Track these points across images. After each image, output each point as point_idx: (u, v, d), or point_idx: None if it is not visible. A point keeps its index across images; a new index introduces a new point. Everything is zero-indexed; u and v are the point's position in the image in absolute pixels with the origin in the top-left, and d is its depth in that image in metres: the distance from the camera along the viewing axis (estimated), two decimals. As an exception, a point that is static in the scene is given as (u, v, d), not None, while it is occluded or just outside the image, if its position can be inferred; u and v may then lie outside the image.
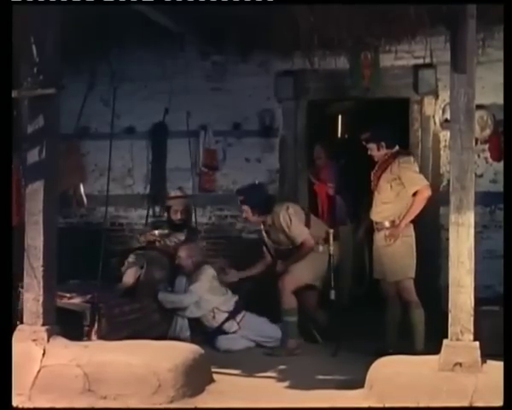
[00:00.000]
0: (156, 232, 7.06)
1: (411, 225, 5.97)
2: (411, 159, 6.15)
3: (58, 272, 5.19)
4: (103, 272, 6.04)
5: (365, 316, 6.74)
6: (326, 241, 6.34)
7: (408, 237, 5.95)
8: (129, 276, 6.49)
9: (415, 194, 5.91)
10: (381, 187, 6.04)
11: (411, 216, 5.90)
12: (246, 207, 6.56)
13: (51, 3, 4.63)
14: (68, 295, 5.92)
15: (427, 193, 5.94)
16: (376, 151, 6.12)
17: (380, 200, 6.06)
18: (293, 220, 6.37)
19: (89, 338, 5.43)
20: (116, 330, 5.71)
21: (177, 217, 7.05)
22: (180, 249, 6.72)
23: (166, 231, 7.05)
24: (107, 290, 6.08)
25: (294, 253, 6.41)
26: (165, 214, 7.29)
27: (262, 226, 6.64)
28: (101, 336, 5.50)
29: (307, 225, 6.45)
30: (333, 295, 6.25)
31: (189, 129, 7.73)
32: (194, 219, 7.50)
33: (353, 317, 6.63)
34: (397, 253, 5.92)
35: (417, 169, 6.12)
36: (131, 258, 6.69)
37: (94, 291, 5.81)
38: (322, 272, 6.38)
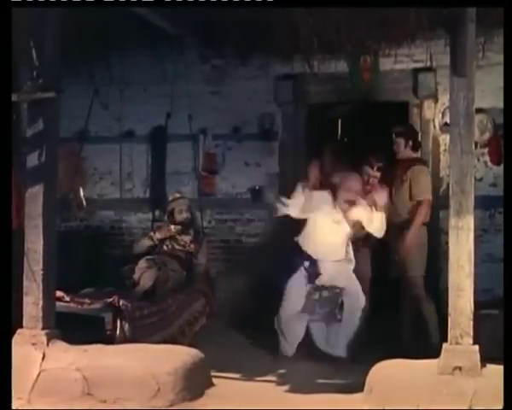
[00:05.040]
0: (172, 227, 6.95)
1: (425, 228, 6.26)
2: (426, 169, 6.40)
3: (70, 280, 5.13)
4: (113, 278, 6.00)
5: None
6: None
7: (420, 238, 6.20)
8: (147, 278, 6.32)
9: (417, 202, 6.19)
10: (397, 187, 6.29)
11: (416, 228, 6.14)
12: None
13: (50, 4, 4.61)
14: (88, 301, 5.84)
15: (427, 207, 6.21)
16: (402, 148, 6.33)
17: (391, 199, 6.25)
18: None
19: (112, 343, 5.30)
20: (142, 334, 5.64)
21: (182, 216, 6.96)
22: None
23: (180, 227, 6.93)
24: (125, 295, 5.94)
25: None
26: (169, 218, 7.05)
27: None
28: (126, 340, 5.41)
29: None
30: None
31: (191, 132, 7.73)
32: (199, 221, 7.47)
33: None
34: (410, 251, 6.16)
35: (428, 181, 6.34)
36: (143, 263, 6.51)
37: (113, 295, 5.75)
38: None
